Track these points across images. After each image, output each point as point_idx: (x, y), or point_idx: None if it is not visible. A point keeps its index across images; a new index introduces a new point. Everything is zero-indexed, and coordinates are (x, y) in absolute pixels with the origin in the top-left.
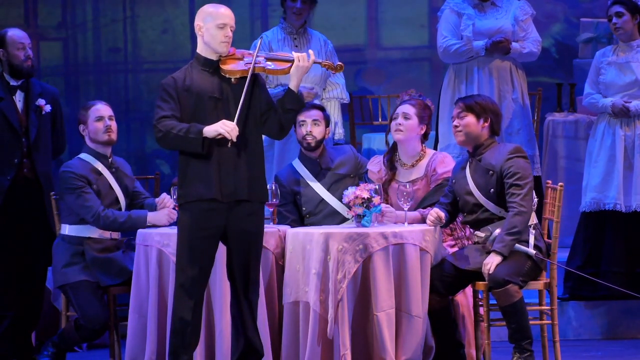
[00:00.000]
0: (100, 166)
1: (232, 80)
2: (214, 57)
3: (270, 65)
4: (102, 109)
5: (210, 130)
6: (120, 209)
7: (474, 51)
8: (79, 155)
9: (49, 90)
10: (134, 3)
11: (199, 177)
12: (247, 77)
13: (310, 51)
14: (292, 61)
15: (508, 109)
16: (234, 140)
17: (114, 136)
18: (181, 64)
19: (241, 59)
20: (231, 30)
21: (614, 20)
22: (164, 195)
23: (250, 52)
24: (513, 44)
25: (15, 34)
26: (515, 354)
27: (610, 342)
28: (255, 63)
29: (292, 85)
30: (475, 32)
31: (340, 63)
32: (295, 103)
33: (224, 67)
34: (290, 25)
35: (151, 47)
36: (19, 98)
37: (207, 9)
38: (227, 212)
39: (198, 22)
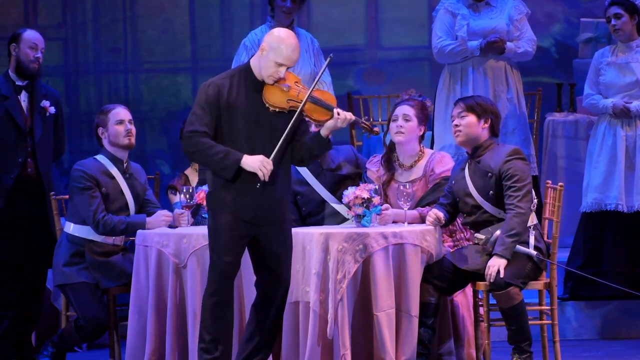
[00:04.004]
0: (114, 170)
1: (270, 109)
2: (259, 78)
3: (312, 109)
4: (122, 112)
5: (248, 164)
6: (129, 215)
7: (469, 51)
8: (94, 156)
9: (52, 92)
10: (134, 3)
11: (232, 189)
12: (284, 111)
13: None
14: (331, 111)
15: (503, 109)
16: (266, 180)
17: (134, 140)
18: (181, 64)
19: (286, 92)
20: (288, 70)
21: (613, 21)
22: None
23: (296, 81)
24: (508, 43)
25: (31, 33)
26: (514, 355)
27: (610, 342)
28: (302, 109)
29: (324, 134)
30: (470, 32)
31: (376, 129)
32: (323, 149)
33: (266, 95)
34: (279, 23)
35: (151, 47)
36: (23, 98)
37: (282, 40)
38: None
39: (265, 43)
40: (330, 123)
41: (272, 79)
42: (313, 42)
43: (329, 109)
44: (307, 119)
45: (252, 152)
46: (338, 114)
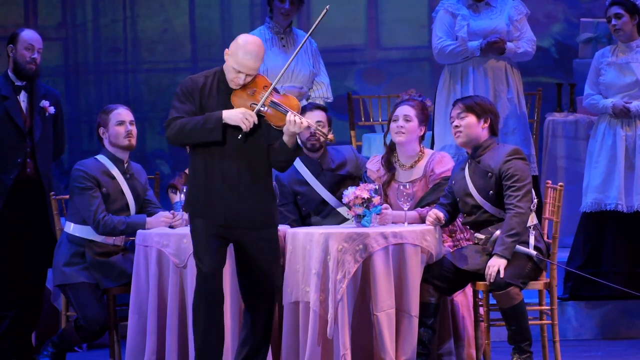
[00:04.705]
0: (114, 170)
1: None
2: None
3: (271, 113)
4: (124, 113)
5: (230, 118)
6: (129, 215)
7: (469, 52)
8: (95, 156)
9: (51, 92)
10: (134, 3)
11: (203, 197)
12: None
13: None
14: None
15: (503, 108)
16: (246, 132)
17: (134, 141)
18: (181, 64)
19: (251, 96)
20: (248, 76)
21: (613, 21)
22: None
23: (265, 85)
24: (508, 43)
25: (28, 34)
26: (514, 355)
27: (610, 342)
28: (259, 111)
29: (284, 139)
30: (470, 33)
31: (330, 136)
32: (286, 155)
33: (233, 98)
34: (278, 25)
35: (151, 47)
36: (22, 98)
37: (241, 47)
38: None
39: (230, 48)
40: (285, 129)
41: (233, 84)
42: (311, 43)
43: (285, 113)
44: (268, 122)
45: (223, 154)
46: (290, 119)
